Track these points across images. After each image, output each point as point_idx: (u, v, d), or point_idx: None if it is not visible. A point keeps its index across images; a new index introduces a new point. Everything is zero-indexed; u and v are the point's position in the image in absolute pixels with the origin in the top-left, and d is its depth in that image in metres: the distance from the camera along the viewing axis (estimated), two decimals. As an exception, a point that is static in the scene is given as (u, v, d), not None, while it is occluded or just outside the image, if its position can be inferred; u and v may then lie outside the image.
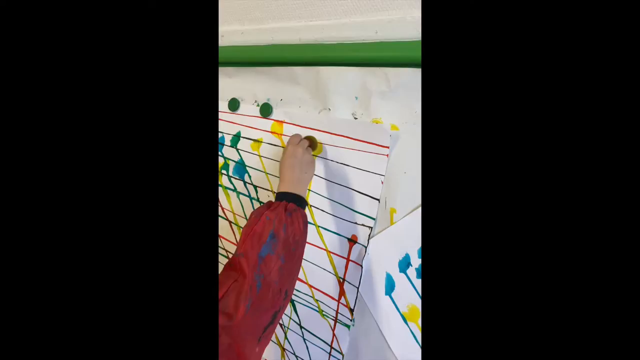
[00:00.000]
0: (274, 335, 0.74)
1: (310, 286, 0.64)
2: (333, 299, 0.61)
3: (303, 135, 0.61)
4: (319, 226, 0.62)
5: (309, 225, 0.63)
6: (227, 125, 0.75)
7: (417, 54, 0.49)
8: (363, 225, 0.56)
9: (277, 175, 0.66)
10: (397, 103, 0.52)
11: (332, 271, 0.60)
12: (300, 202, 0.51)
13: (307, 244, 0.63)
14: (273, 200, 0.52)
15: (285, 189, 0.52)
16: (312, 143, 0.61)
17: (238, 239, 0.76)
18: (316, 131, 0.61)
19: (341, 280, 0.59)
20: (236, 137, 0.73)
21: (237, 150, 0.73)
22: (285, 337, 0.71)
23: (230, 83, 0.73)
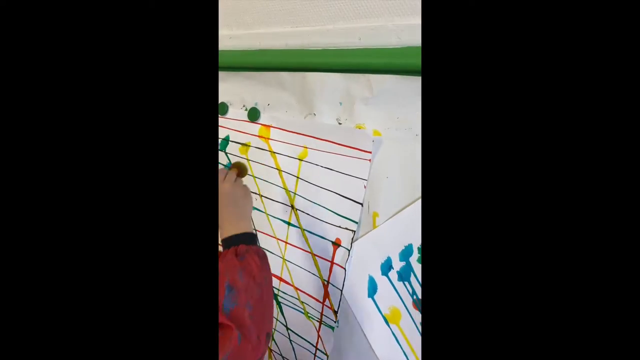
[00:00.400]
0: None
1: (296, 288, 0.65)
2: (318, 301, 0.62)
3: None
4: (304, 229, 0.63)
5: (294, 228, 0.64)
6: (216, 128, 0.76)
7: (399, 60, 0.50)
8: (347, 228, 0.57)
9: (265, 180, 0.67)
10: (379, 109, 0.53)
11: (316, 274, 0.61)
12: (249, 239, 0.49)
13: (293, 247, 0.64)
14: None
15: (228, 233, 0.49)
16: (239, 171, 0.59)
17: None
18: (302, 135, 0.62)
19: (325, 282, 0.60)
20: (225, 141, 0.74)
21: (226, 153, 0.74)
22: (272, 338, 0.72)
23: (219, 87, 0.74)
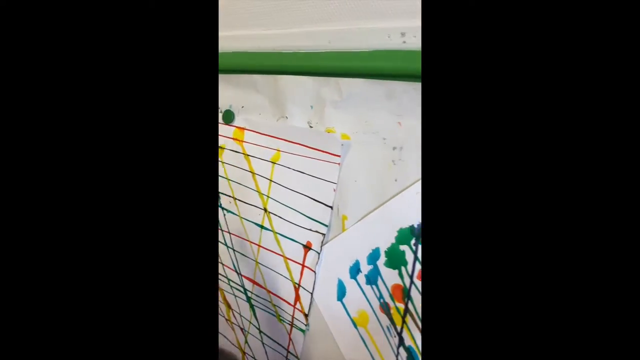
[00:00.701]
0: (234, 339, 0.74)
1: (269, 291, 0.65)
2: (289, 304, 0.62)
3: None
4: (276, 232, 0.62)
5: (267, 231, 0.64)
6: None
7: (368, 64, 0.50)
8: (317, 231, 0.57)
9: (239, 182, 0.67)
10: (348, 113, 0.53)
11: (288, 277, 0.61)
12: None
13: (266, 250, 0.64)
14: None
15: None
16: None
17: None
18: (275, 138, 0.62)
19: (297, 285, 0.60)
20: (200, 143, 0.74)
21: (202, 155, 0.74)
22: (246, 341, 0.72)
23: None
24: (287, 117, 0.61)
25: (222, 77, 0.68)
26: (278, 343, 0.65)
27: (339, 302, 0.55)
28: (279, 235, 0.62)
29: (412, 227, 0.47)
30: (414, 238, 0.47)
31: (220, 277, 0.74)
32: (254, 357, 0.71)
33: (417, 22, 0.46)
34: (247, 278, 0.69)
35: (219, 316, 0.76)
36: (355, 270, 0.53)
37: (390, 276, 0.50)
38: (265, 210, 0.64)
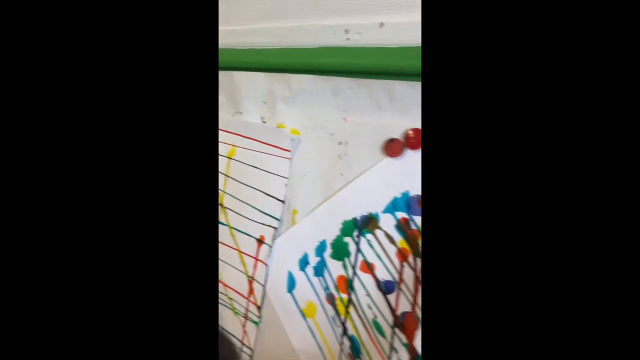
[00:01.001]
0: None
1: (225, 285, 0.65)
2: (243, 296, 0.63)
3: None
4: (231, 227, 0.63)
5: (222, 226, 0.64)
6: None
7: (315, 60, 0.51)
8: (270, 225, 0.58)
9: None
10: (298, 108, 0.54)
11: (243, 270, 0.62)
12: None
13: (222, 245, 0.65)
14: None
15: None
16: None
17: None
18: (230, 134, 0.63)
19: (250, 278, 0.61)
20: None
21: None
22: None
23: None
24: (241, 113, 0.62)
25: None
26: (233, 336, 0.66)
27: (289, 294, 0.56)
28: (234, 230, 0.63)
29: (355, 219, 0.49)
30: (356, 230, 0.49)
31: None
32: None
33: (359, 20, 0.47)
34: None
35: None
36: (304, 263, 0.54)
37: (335, 267, 0.51)
38: (221, 205, 0.65)
